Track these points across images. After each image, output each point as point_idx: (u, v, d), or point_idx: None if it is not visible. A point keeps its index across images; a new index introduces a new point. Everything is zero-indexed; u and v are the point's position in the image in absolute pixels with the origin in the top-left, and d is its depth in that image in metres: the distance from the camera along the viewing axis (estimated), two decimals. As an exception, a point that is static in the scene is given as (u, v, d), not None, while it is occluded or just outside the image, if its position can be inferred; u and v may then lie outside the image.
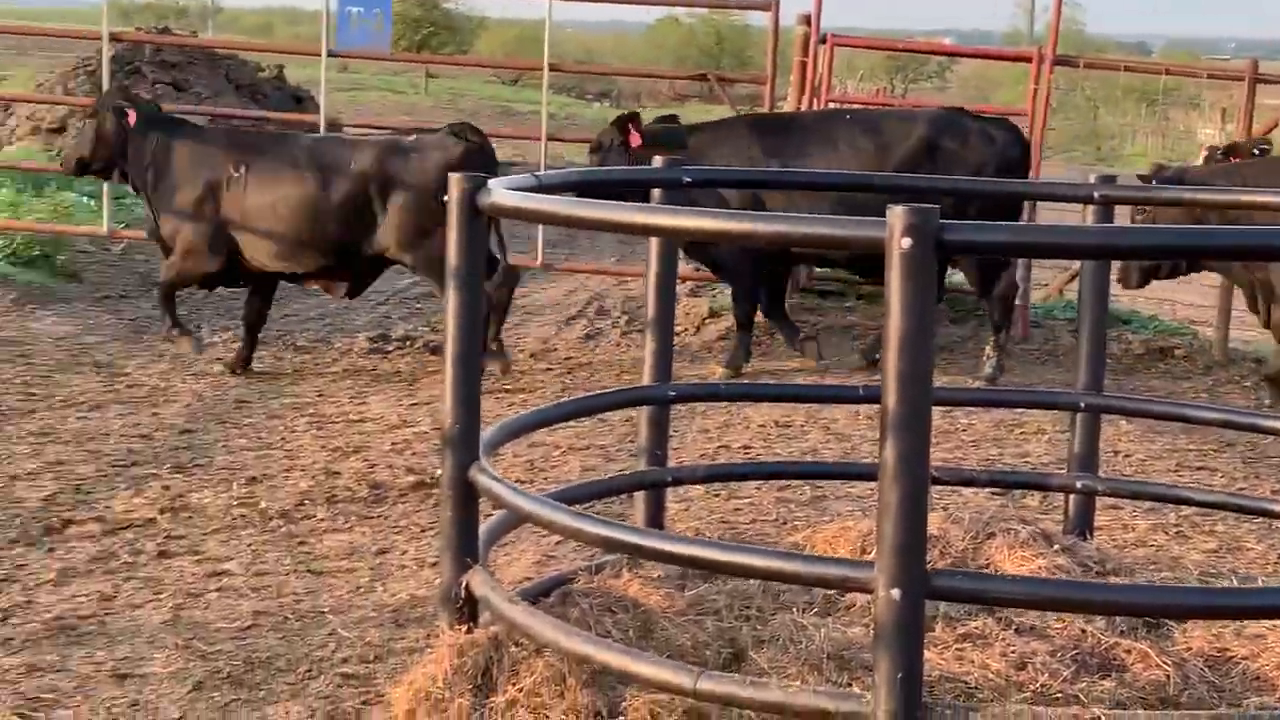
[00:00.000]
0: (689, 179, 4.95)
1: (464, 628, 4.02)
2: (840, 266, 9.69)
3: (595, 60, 45.81)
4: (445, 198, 3.99)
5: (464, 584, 4.04)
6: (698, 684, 3.36)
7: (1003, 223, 6.97)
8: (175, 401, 7.78)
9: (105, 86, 10.06)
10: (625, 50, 52.66)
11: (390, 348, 9.48)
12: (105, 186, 10.32)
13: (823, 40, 9.65)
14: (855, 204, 7.35)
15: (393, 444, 7.05)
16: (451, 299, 4.01)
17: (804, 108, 9.78)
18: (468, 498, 4.05)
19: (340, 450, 6.89)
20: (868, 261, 9.02)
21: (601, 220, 3.90)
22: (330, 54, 9.96)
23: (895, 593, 3.11)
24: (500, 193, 3.94)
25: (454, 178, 4.00)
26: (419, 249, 8.40)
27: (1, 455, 6.56)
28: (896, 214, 3.07)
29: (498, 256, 8.41)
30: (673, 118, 9.46)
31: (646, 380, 5.03)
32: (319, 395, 8.08)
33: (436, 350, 9.43)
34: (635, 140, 8.89)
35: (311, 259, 8.55)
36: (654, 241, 4.97)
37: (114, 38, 10.48)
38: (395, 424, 7.47)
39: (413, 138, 8.66)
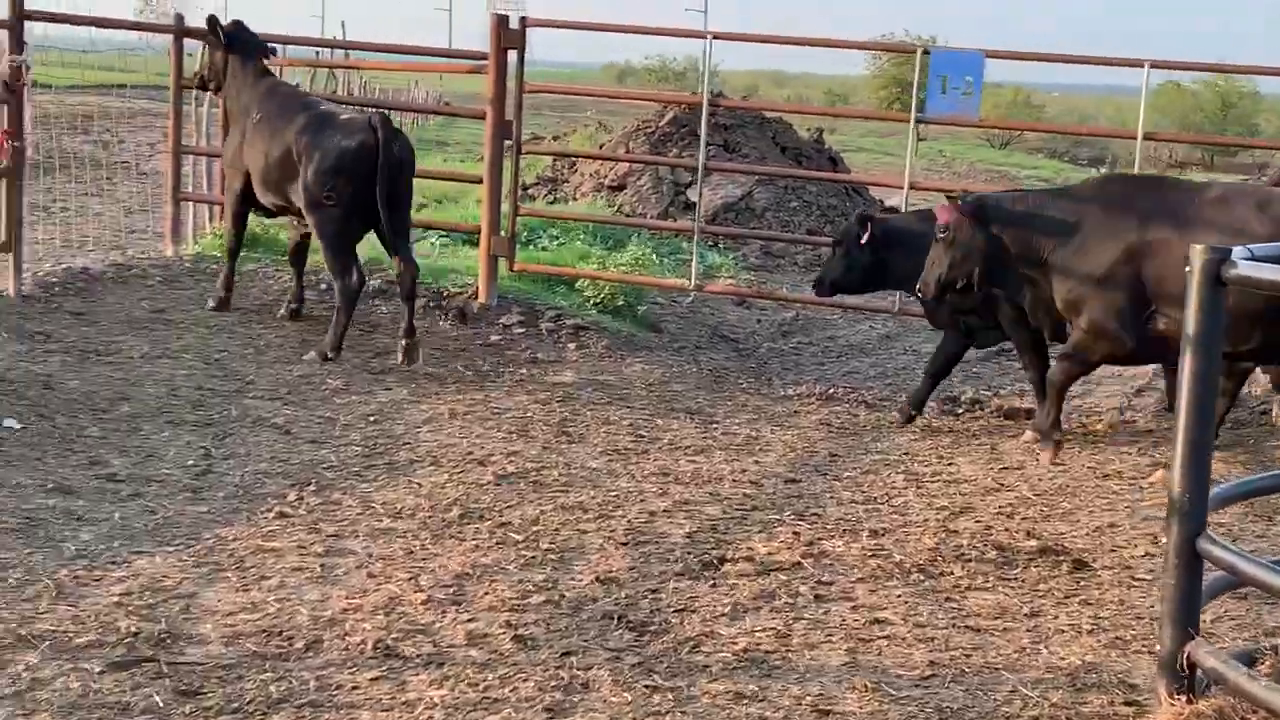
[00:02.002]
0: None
1: (1183, 698, 4.01)
2: None
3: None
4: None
5: (1186, 654, 4.04)
6: None
7: None
8: (770, 451, 8.10)
9: (703, 146, 10.75)
10: (1123, 115, 51.00)
11: (960, 410, 9.62)
12: (695, 243, 10.98)
13: None
14: None
15: (998, 507, 7.08)
16: (1188, 366, 4.03)
17: None
18: (1193, 567, 4.05)
19: (948, 510, 6.98)
20: None
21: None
22: (919, 120, 10.19)
23: None
24: (1245, 265, 3.95)
25: (1196, 249, 4.02)
26: (313, 213, 9.29)
27: (635, 492, 7.01)
28: None
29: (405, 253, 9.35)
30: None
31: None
32: (905, 454, 8.23)
33: (1010, 415, 9.47)
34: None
35: (272, 196, 9.71)
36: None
37: (711, 103, 11.07)
38: (993, 487, 7.51)
39: (345, 116, 9.46)
